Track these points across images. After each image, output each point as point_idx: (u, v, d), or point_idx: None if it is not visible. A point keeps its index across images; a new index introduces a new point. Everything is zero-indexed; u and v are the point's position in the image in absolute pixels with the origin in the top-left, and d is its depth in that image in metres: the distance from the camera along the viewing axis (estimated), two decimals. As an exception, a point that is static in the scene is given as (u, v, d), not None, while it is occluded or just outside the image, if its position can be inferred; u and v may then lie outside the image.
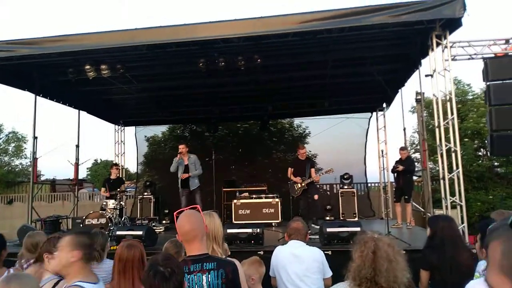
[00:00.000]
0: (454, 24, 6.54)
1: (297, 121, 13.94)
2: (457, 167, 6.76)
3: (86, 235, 2.31)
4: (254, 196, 9.77)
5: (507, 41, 7.54)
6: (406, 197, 8.65)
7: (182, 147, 8.61)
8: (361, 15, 6.23)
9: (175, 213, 2.39)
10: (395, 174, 8.75)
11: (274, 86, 10.16)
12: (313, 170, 8.38)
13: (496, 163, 15.16)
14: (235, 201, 9.65)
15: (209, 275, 2.15)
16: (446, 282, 3.14)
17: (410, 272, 2.05)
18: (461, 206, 6.74)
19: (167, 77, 9.44)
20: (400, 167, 8.51)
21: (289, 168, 8.46)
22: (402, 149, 8.88)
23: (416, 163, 14.01)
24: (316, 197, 8.24)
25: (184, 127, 14.53)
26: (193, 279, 2.14)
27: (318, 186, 12.75)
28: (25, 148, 22.29)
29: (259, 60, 7.49)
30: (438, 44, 6.86)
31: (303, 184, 8.13)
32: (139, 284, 2.50)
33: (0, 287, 1.77)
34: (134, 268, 2.57)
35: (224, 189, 10.87)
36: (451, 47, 7.12)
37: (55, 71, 8.64)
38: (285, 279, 3.33)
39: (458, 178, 6.74)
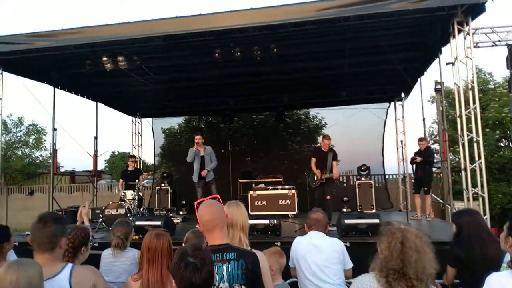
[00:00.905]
0: (477, 9, 6.31)
1: (313, 112, 13.79)
2: (479, 158, 6.59)
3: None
4: (270, 187, 9.75)
5: (532, 27, 7.27)
6: (425, 188, 8.48)
7: (198, 138, 8.58)
8: (381, 1, 6.08)
9: (195, 203, 2.40)
10: (414, 165, 8.58)
11: (290, 77, 10.05)
12: (334, 163, 8.10)
13: (518, 154, 14.76)
14: (251, 192, 9.64)
15: (229, 265, 2.14)
16: (476, 277, 3.06)
17: (437, 264, 2.00)
18: (483, 198, 6.58)
19: (183, 69, 9.43)
20: (418, 158, 8.35)
21: (312, 158, 8.25)
22: (421, 139, 8.70)
23: (435, 154, 13.77)
24: (328, 197, 8.02)
25: (199, 119, 14.58)
26: (214, 269, 2.13)
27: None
28: (44, 140, 22.72)
29: (275, 49, 7.40)
30: (460, 31, 6.65)
31: (322, 178, 7.93)
32: (168, 272, 2.50)
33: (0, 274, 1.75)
34: (163, 257, 2.59)
35: (240, 180, 10.88)
36: (473, 34, 6.92)
37: (73, 63, 8.72)
38: (305, 269, 3.31)
39: (480, 169, 6.57)
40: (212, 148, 8.79)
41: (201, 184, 8.55)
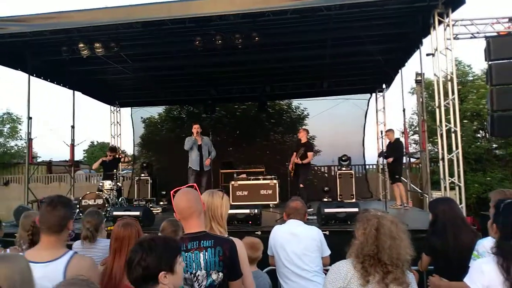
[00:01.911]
0: (457, 1, 6.39)
1: (295, 102, 13.80)
2: (457, 148, 6.71)
3: None
4: (252, 177, 9.73)
5: (510, 20, 7.39)
6: (397, 176, 8.62)
7: (197, 127, 8.39)
8: (362, -9, 6.05)
9: (171, 192, 2.34)
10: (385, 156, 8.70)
11: (272, 66, 10.00)
12: (310, 153, 8.44)
13: (494, 145, 15.15)
14: (232, 182, 9.61)
15: (206, 253, 2.12)
16: (448, 265, 3.11)
17: (413, 250, 2.01)
18: (459, 187, 6.72)
19: (163, 57, 9.27)
20: (390, 159, 8.53)
21: (294, 152, 8.63)
22: (388, 131, 8.82)
23: (414, 145, 14.03)
24: (301, 185, 8.34)
25: (180, 108, 14.39)
26: (191, 257, 2.12)
27: (315, 168, 12.79)
28: (20, 130, 22.15)
29: (257, 38, 7.31)
30: (440, 23, 6.71)
31: (290, 170, 8.41)
32: None
33: None
34: (130, 246, 2.52)
35: (221, 171, 10.82)
36: (453, 25, 6.98)
37: (48, 50, 8.44)
38: (284, 257, 3.30)
39: (458, 159, 6.69)
40: (209, 139, 8.71)
41: (195, 173, 8.44)
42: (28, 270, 1.76)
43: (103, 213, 7.50)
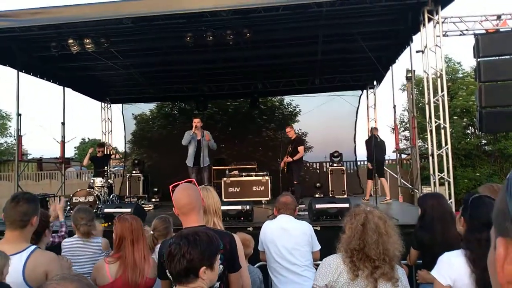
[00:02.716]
0: (446, -2, 6.43)
1: (287, 99, 13.81)
2: (446, 144, 6.78)
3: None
4: (244, 174, 9.74)
5: (498, 17, 7.47)
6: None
7: (197, 121, 8.14)
8: (352, -12, 6.08)
9: (170, 187, 2.36)
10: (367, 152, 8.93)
11: (264, 63, 10.01)
12: (300, 148, 8.48)
13: (484, 141, 15.33)
14: (224, 179, 9.62)
15: None
16: (436, 259, 3.15)
17: (402, 246, 2.03)
18: (449, 183, 6.80)
19: (155, 53, 9.19)
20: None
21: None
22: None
23: (405, 141, 14.14)
24: (295, 182, 8.42)
25: (172, 105, 14.32)
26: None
27: (307, 164, 12.85)
28: (9, 126, 21.89)
29: (248, 34, 7.30)
30: (429, 20, 6.76)
31: (282, 167, 8.45)
32: (147, 255, 2.65)
33: None
34: (143, 237, 2.72)
35: (213, 167, 10.82)
36: (442, 22, 7.03)
37: (37, 45, 8.34)
38: (274, 252, 3.32)
39: (447, 155, 6.77)
40: (210, 133, 8.48)
41: (195, 171, 8.23)
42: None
43: (94, 210, 7.52)
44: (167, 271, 1.74)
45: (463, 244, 2.13)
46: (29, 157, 21.80)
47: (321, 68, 10.50)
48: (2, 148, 22.13)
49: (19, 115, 8.81)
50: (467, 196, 2.35)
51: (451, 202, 6.58)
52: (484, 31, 7.44)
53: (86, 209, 3.62)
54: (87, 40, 7.47)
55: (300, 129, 13.18)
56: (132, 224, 2.69)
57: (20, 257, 2.12)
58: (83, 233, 3.44)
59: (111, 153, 9.56)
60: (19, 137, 9.02)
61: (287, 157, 8.42)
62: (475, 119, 14.85)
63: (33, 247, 2.21)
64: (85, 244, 3.43)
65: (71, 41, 7.47)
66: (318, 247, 3.44)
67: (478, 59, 6.84)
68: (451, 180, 6.78)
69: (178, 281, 1.69)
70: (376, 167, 8.36)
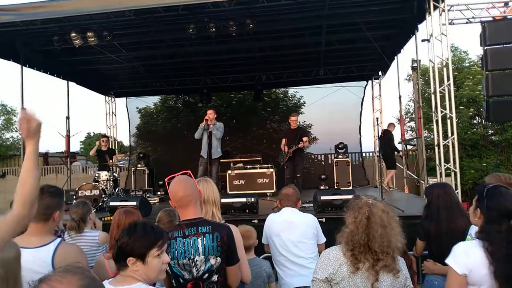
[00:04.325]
0: (452, -15, 6.32)
1: (291, 90, 13.75)
2: (452, 134, 6.71)
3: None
4: (248, 166, 9.72)
5: (506, 4, 7.32)
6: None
7: (209, 113, 8.05)
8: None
9: (166, 180, 2.35)
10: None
11: (267, 54, 9.94)
12: (305, 138, 8.37)
13: (490, 131, 15.18)
14: (229, 171, 9.59)
15: (204, 238, 2.14)
16: (441, 249, 3.11)
17: (404, 238, 2.00)
18: (455, 173, 6.74)
19: (157, 45, 9.16)
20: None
21: (283, 139, 8.56)
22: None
23: (411, 132, 14.04)
24: (298, 175, 8.32)
25: (176, 98, 14.31)
26: (189, 243, 2.13)
27: (312, 156, 12.82)
28: (15, 121, 21.99)
29: (251, 25, 7.23)
30: (435, 8, 6.66)
31: (289, 152, 8.23)
32: None
33: None
34: None
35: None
36: (448, 10, 6.93)
37: (40, 40, 8.34)
38: (279, 245, 3.30)
39: (453, 145, 6.70)
40: (223, 124, 8.38)
41: (204, 162, 8.14)
42: (15, 263, 1.74)
43: (100, 204, 7.55)
44: None
45: (481, 235, 2.08)
46: (35, 151, 21.90)
47: (325, 59, 10.41)
48: (8, 143, 22.27)
49: (23, 110, 8.83)
50: (481, 187, 2.29)
51: (457, 192, 6.53)
52: (491, 19, 7.31)
53: (79, 204, 3.59)
54: (90, 34, 7.45)
55: (304, 121, 13.13)
56: (118, 219, 2.66)
57: (48, 250, 2.15)
58: (69, 228, 3.42)
59: (115, 150, 9.56)
60: (24, 132, 9.05)
61: (299, 144, 8.25)
62: (481, 109, 14.70)
63: (58, 239, 2.24)
64: (74, 239, 3.40)
65: (73, 34, 7.46)
66: (323, 239, 3.41)
67: (485, 47, 6.72)
68: (458, 170, 6.72)
69: (116, 266, 1.79)
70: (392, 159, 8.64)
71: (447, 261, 2.08)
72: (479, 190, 2.28)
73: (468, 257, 2.01)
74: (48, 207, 2.20)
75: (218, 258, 2.14)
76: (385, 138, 9.66)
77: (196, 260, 2.13)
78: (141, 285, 1.70)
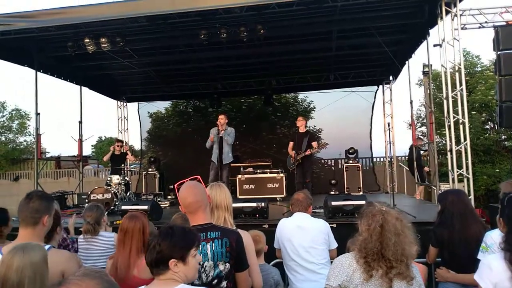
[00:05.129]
0: (465, -10, 6.28)
1: (301, 95, 13.72)
2: (465, 139, 6.64)
3: None
4: (258, 171, 9.73)
5: (519, 8, 7.26)
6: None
7: (220, 117, 8.10)
8: (368, -19, 5.99)
9: (175, 185, 2.36)
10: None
11: (277, 59, 9.96)
12: (314, 143, 8.38)
13: (503, 136, 14.95)
14: (239, 176, 9.61)
15: (213, 244, 2.15)
16: (455, 256, 3.08)
17: (418, 245, 1.99)
18: (468, 179, 6.66)
19: (169, 51, 9.26)
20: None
21: (290, 142, 8.56)
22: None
23: (422, 137, 13.88)
24: (307, 180, 8.31)
25: (187, 103, 14.41)
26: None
27: (322, 161, 12.78)
28: (28, 125, 22.38)
29: (262, 31, 7.27)
30: (447, 13, 6.62)
31: (297, 158, 8.23)
32: (136, 255, 2.51)
33: (4, 260, 1.74)
34: (133, 239, 2.56)
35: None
36: (461, 15, 6.88)
37: (55, 45, 8.50)
38: (290, 250, 3.31)
39: (466, 151, 6.63)
40: (234, 130, 8.41)
41: (215, 167, 8.18)
42: (42, 264, 1.79)
43: (112, 207, 7.62)
44: None
45: (503, 245, 2.06)
46: (48, 155, 22.25)
47: (336, 64, 10.40)
48: (21, 146, 22.61)
49: (37, 114, 8.99)
50: (503, 196, 2.28)
51: (470, 199, 6.45)
52: (504, 23, 7.24)
53: (93, 207, 3.65)
54: (103, 39, 7.56)
55: (314, 126, 13.10)
56: (122, 223, 2.67)
57: None
58: (85, 231, 3.48)
59: (127, 152, 9.62)
60: (38, 136, 9.21)
61: (308, 151, 8.23)
62: (494, 114, 14.50)
63: (47, 246, 2.20)
64: (91, 241, 3.46)
65: (87, 40, 7.58)
66: (335, 245, 3.41)
67: (498, 52, 6.66)
68: (470, 176, 6.64)
69: (152, 272, 1.77)
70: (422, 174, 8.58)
71: (475, 276, 2.10)
72: (502, 199, 2.26)
73: (492, 271, 2.00)
74: (37, 210, 2.21)
75: (227, 264, 2.15)
76: (416, 153, 9.63)
77: (205, 266, 2.14)
78: (184, 286, 1.73)
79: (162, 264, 1.73)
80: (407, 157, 9.42)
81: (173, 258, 1.72)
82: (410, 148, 9.54)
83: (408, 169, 9.81)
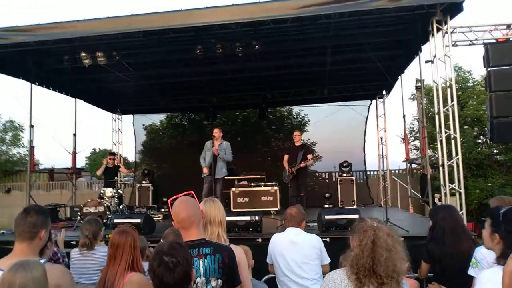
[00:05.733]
0: (455, 8, 6.43)
1: (296, 109, 13.84)
2: (457, 154, 6.71)
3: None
4: (252, 184, 9.73)
5: (508, 26, 7.44)
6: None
7: (214, 131, 8.15)
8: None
9: (169, 200, 2.37)
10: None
11: (272, 74, 10.06)
12: (309, 156, 8.45)
13: (495, 151, 15.10)
14: (233, 189, 9.60)
15: (206, 260, 2.15)
16: (446, 272, 3.10)
17: (409, 260, 2.01)
18: (460, 193, 6.71)
19: (165, 65, 9.32)
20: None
21: (285, 155, 8.63)
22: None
23: (415, 151, 14.03)
24: (302, 194, 8.35)
25: (182, 116, 14.45)
26: (191, 269, 2.13)
27: (316, 174, 12.81)
28: (22, 137, 22.28)
29: (257, 46, 7.37)
30: (438, 30, 6.75)
31: (292, 171, 8.29)
32: (124, 270, 2.46)
33: (6, 277, 1.74)
34: (124, 254, 2.52)
35: (223, 178, 10.81)
36: (451, 32, 7.02)
37: (51, 58, 8.52)
38: (283, 266, 3.31)
39: (458, 165, 6.69)
40: (229, 144, 8.42)
41: (208, 181, 8.17)
42: (43, 280, 1.80)
43: (104, 220, 7.56)
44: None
45: (503, 260, 2.07)
46: (41, 167, 22.08)
47: (330, 78, 10.52)
48: (14, 158, 22.46)
49: (31, 126, 8.98)
50: (495, 211, 2.27)
51: (462, 213, 6.49)
52: (494, 41, 7.41)
53: (91, 221, 3.63)
54: (99, 53, 7.62)
55: (309, 139, 13.17)
56: (112, 237, 2.64)
57: None
58: (82, 245, 3.46)
59: (119, 165, 9.59)
60: (31, 148, 9.18)
61: (302, 163, 8.30)
62: (486, 129, 14.68)
63: (42, 260, 2.19)
64: (86, 255, 3.43)
65: (83, 54, 7.64)
66: (327, 260, 3.42)
67: (488, 69, 6.81)
68: (462, 190, 6.69)
69: None
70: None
71: None
72: (494, 214, 2.26)
73: (495, 284, 2.01)
74: (35, 225, 2.19)
75: (219, 280, 2.14)
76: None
77: (198, 282, 2.13)
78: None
79: (188, 278, 1.84)
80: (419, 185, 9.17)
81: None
82: (422, 177, 9.32)
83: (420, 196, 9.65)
